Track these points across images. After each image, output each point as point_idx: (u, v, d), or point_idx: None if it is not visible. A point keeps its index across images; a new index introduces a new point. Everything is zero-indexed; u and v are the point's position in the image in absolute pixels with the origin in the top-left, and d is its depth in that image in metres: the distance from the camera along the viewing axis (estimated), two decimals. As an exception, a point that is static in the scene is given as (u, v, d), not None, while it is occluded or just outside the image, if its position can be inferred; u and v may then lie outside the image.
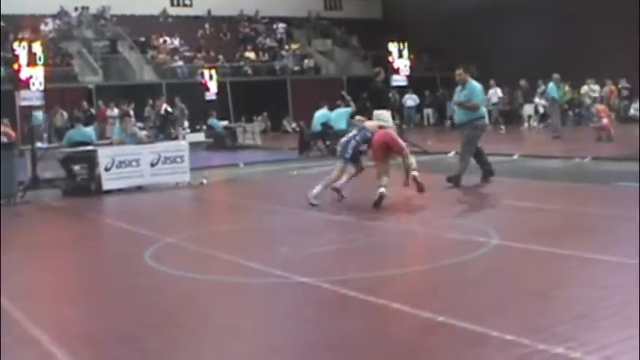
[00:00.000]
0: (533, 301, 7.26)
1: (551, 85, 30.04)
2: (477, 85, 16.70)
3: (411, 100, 42.17)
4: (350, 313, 7.29)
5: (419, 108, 44.27)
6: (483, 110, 17.20)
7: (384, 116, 23.12)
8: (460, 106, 16.70)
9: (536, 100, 36.80)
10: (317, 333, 6.70)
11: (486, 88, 17.41)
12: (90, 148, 19.18)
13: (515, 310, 7.00)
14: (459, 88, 16.92)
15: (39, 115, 30.28)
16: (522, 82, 37.92)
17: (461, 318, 6.62)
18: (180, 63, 44.85)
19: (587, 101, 36.01)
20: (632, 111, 35.90)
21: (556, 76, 30.35)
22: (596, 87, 36.76)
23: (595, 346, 5.75)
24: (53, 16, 44.70)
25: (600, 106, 28.53)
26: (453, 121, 17.80)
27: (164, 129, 33.69)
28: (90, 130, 21.82)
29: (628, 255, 8.74)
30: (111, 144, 20.24)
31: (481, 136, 16.59)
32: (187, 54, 46.08)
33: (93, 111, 36.73)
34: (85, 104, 36.63)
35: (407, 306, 7.18)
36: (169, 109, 36.18)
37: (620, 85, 37.43)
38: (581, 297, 7.26)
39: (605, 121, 26.44)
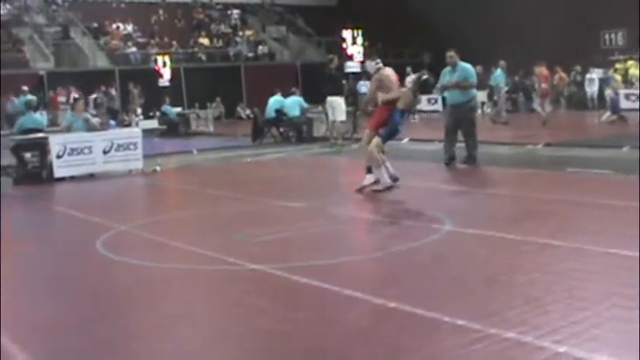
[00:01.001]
0: (486, 287, 7.30)
1: (497, 71, 30.19)
2: (468, 66, 16.96)
3: (365, 86, 42.03)
4: (302, 300, 7.27)
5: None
6: (475, 90, 17.45)
7: (337, 102, 23.26)
8: (457, 87, 16.78)
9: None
10: (269, 320, 6.66)
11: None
12: (41, 135, 18.98)
13: (467, 296, 7.02)
14: (447, 70, 17.08)
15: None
16: (478, 69, 38.02)
17: (413, 304, 6.63)
18: (134, 49, 44.54)
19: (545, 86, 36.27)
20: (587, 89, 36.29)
21: (502, 62, 30.58)
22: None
23: (546, 330, 5.78)
24: (4, 1, 44.09)
25: (543, 70, 28.84)
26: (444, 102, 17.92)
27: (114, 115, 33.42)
28: (41, 117, 21.60)
29: (580, 240, 8.83)
30: (62, 131, 20.02)
31: None
32: (141, 40, 45.81)
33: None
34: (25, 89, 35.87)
35: (359, 292, 7.17)
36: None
37: (573, 72, 37.78)
38: (533, 282, 7.29)
39: (544, 85, 26.80)
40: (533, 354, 5.39)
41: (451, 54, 16.89)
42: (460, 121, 16.66)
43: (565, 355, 5.34)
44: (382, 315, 6.58)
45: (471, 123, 16.61)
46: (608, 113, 28.69)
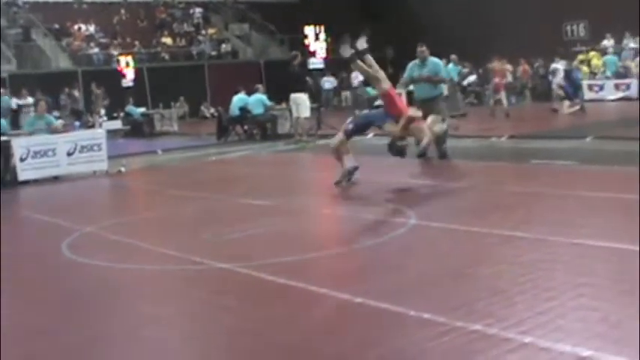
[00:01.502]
0: (451, 280, 7.32)
1: (450, 65, 30.31)
2: (438, 60, 17.00)
3: (328, 82, 42.25)
4: (268, 298, 7.25)
5: (337, 90, 44.31)
6: (444, 85, 17.60)
7: (301, 99, 23.26)
8: (428, 81, 16.73)
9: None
10: (236, 319, 6.66)
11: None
12: (4, 138, 18.82)
13: (433, 289, 7.03)
14: (415, 64, 17.00)
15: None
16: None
17: (379, 298, 6.64)
18: (96, 50, 44.27)
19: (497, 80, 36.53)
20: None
21: (453, 56, 30.79)
22: (509, 66, 37.38)
23: (511, 322, 5.81)
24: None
25: (496, 65, 29.11)
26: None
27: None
28: (2, 121, 21.43)
29: (544, 232, 8.88)
30: (25, 134, 19.86)
31: None
32: (103, 40, 45.51)
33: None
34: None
35: (325, 288, 7.19)
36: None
37: (536, 65, 38.03)
38: (498, 274, 7.31)
39: (496, 79, 27.05)
40: (499, 345, 5.41)
41: (422, 49, 16.83)
42: (429, 115, 16.48)
43: (530, 345, 5.36)
44: (349, 310, 6.59)
45: (440, 116, 16.45)
46: (567, 103, 28.85)
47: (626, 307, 6.04)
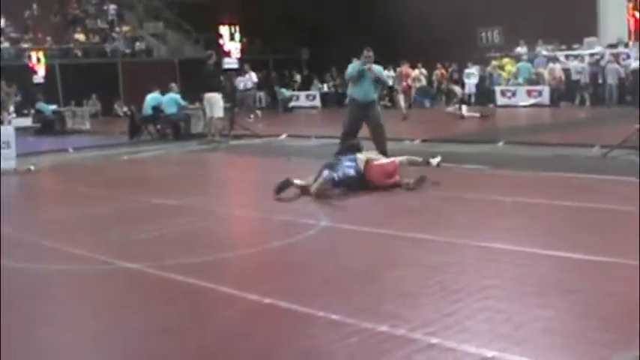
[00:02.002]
0: (360, 282, 7.35)
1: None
2: (379, 67, 16.64)
3: (242, 83, 42.13)
4: (177, 298, 7.20)
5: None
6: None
7: (215, 99, 23.17)
8: (376, 82, 16.26)
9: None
10: (144, 320, 6.60)
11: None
12: None
13: (341, 291, 7.05)
14: (356, 66, 16.26)
15: None
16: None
17: (287, 300, 6.66)
18: (7, 45, 43.49)
19: (417, 85, 36.99)
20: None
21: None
22: (423, 70, 37.93)
23: (418, 323, 5.86)
24: None
25: (404, 69, 29.56)
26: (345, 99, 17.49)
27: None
28: None
29: (452, 235, 8.99)
30: None
31: None
32: (14, 35, 44.73)
33: None
34: None
35: (234, 289, 7.19)
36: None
37: (450, 69, 38.56)
38: (406, 276, 7.38)
39: (404, 83, 27.49)
40: (406, 346, 5.45)
41: (370, 54, 16.17)
42: (368, 118, 16.18)
43: (437, 346, 5.43)
44: (256, 311, 6.59)
45: (379, 120, 16.19)
46: (465, 107, 29.44)
47: (531, 308, 6.16)
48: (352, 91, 16.49)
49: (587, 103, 33.27)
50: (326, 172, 12.36)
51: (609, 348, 5.24)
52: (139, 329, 6.36)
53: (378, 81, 16.40)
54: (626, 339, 5.41)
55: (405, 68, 32.20)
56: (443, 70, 38.70)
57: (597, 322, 5.84)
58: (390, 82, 30.32)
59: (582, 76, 33.82)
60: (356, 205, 11.90)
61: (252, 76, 36.82)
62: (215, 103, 23.16)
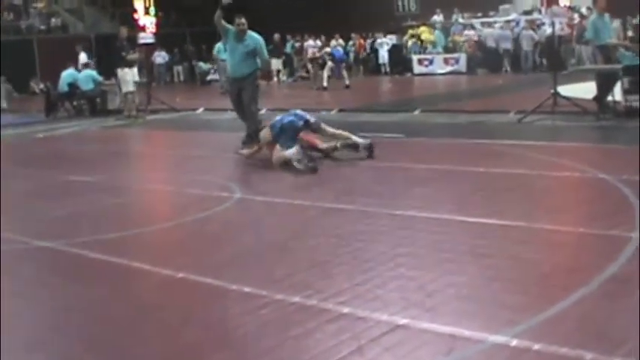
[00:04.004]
0: (273, 253, 7.36)
1: (218, 45, 29.50)
2: (258, 36, 14.96)
3: (160, 57, 41.73)
4: (91, 275, 7.14)
5: (168, 65, 43.87)
6: (259, 62, 15.08)
7: (129, 74, 22.87)
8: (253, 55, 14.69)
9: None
10: (60, 297, 6.53)
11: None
12: None
13: (254, 263, 7.05)
14: (230, 37, 14.83)
15: None
16: (276, 37, 38.01)
17: (200, 273, 6.64)
18: None
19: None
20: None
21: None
22: (341, 41, 37.91)
23: (330, 293, 5.86)
24: None
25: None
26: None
27: None
28: None
29: (366, 203, 9.01)
30: None
31: None
32: None
33: None
34: None
35: (147, 264, 7.13)
36: None
37: (369, 40, 38.68)
38: (318, 246, 7.39)
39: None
40: (318, 316, 5.44)
41: (241, 21, 14.71)
42: (242, 94, 14.75)
43: (348, 315, 5.43)
44: (170, 285, 6.54)
45: (254, 96, 14.75)
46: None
47: (444, 275, 6.19)
48: (229, 65, 15.41)
49: (508, 69, 33.60)
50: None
51: (518, 311, 5.28)
52: (55, 306, 6.29)
53: (255, 53, 14.77)
54: (534, 301, 5.48)
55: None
56: (361, 40, 38.79)
57: (507, 285, 5.90)
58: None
59: (501, 42, 34.08)
60: (270, 177, 11.83)
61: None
62: (130, 79, 22.90)
